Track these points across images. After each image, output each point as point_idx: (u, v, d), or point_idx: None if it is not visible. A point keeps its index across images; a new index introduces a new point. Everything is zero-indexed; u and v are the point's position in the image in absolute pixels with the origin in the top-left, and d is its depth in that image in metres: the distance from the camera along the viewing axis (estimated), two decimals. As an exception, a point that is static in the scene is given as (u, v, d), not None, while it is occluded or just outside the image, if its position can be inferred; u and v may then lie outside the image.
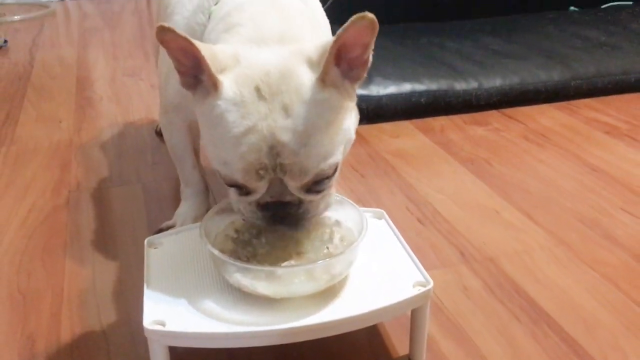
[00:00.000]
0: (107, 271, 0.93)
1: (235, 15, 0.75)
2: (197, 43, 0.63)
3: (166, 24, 0.62)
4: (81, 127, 1.48)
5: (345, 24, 0.62)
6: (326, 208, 0.73)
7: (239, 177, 0.66)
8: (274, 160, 0.64)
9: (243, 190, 0.68)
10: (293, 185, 0.66)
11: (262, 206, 0.69)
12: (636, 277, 0.91)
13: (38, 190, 1.18)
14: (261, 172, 0.64)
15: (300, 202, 0.68)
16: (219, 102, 0.65)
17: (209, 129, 0.68)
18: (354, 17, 0.61)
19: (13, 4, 2.96)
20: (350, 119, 0.70)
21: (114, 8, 2.90)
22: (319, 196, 0.69)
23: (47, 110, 1.59)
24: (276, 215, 0.70)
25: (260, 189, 0.67)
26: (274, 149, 0.63)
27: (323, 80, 0.65)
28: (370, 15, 0.62)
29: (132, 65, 1.99)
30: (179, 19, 0.86)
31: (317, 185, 0.67)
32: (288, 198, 0.67)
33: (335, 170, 0.69)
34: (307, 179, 0.65)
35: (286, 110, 0.63)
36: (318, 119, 0.64)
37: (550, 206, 1.11)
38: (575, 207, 1.10)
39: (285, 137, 0.63)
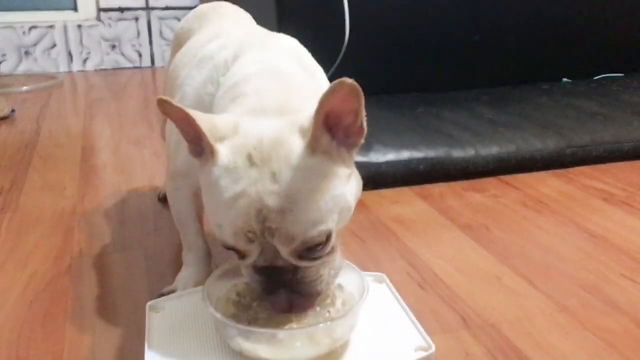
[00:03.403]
0: (107, 338, 0.93)
1: (241, 86, 0.78)
2: (194, 113, 0.66)
3: (164, 97, 0.66)
4: (85, 194, 1.50)
5: (326, 91, 0.64)
6: (334, 274, 0.73)
7: (230, 240, 0.68)
8: (262, 224, 0.65)
9: (239, 253, 0.69)
10: (283, 250, 0.67)
11: (258, 270, 0.70)
12: (638, 343, 0.90)
13: (40, 257, 1.19)
14: (250, 235, 0.66)
15: (295, 268, 0.69)
16: (214, 169, 0.68)
17: (207, 194, 0.71)
18: (333, 83, 0.63)
19: (22, 75, 3.05)
20: (346, 185, 0.71)
21: (120, 80, 2.99)
22: (315, 263, 0.70)
23: (52, 178, 1.62)
24: (271, 280, 0.70)
25: (252, 252, 0.68)
26: (261, 213, 0.65)
27: (312, 147, 0.67)
28: (349, 80, 0.63)
29: (137, 134, 2.04)
30: (189, 90, 0.90)
31: (309, 252, 0.68)
32: (281, 263, 0.68)
33: (329, 238, 0.69)
34: (295, 244, 0.66)
35: (274, 176, 0.65)
36: (305, 184, 0.66)
37: (550, 272, 1.11)
38: (575, 273, 1.11)
39: (271, 201, 0.65)
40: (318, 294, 0.72)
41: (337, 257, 0.73)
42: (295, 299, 0.71)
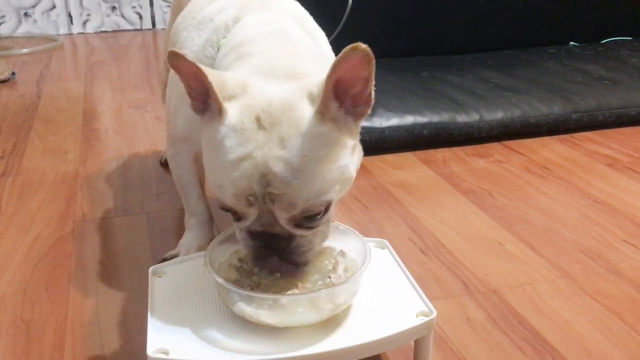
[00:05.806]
0: (111, 301, 0.93)
1: (246, 45, 0.77)
2: (205, 69, 0.65)
3: (177, 50, 0.65)
4: (87, 159, 1.50)
5: (338, 56, 0.62)
6: (322, 242, 0.73)
7: (229, 202, 0.67)
8: (264, 188, 0.65)
9: (235, 215, 0.69)
10: (282, 217, 0.67)
11: (252, 234, 0.70)
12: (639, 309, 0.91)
13: (43, 220, 1.19)
14: (250, 198, 0.65)
15: (290, 237, 0.69)
16: (221, 128, 0.67)
17: (210, 152, 0.70)
18: (346, 48, 0.62)
19: (22, 37, 3.01)
20: (349, 156, 0.70)
21: (121, 42, 2.95)
22: (311, 232, 0.70)
23: (54, 142, 1.61)
24: (266, 246, 0.70)
25: (250, 215, 0.68)
26: (265, 178, 0.64)
27: (321, 114, 0.66)
28: (363, 45, 0.62)
29: (138, 98, 2.02)
30: (188, 53, 0.88)
31: (307, 220, 0.67)
32: (277, 230, 0.68)
33: (328, 208, 0.68)
34: (295, 211, 0.66)
35: (282, 141, 0.65)
36: (313, 152, 0.65)
37: (553, 238, 1.11)
38: (578, 239, 1.11)
39: (277, 166, 0.64)
40: (305, 264, 0.72)
41: (329, 228, 0.73)
42: (284, 267, 0.71)
